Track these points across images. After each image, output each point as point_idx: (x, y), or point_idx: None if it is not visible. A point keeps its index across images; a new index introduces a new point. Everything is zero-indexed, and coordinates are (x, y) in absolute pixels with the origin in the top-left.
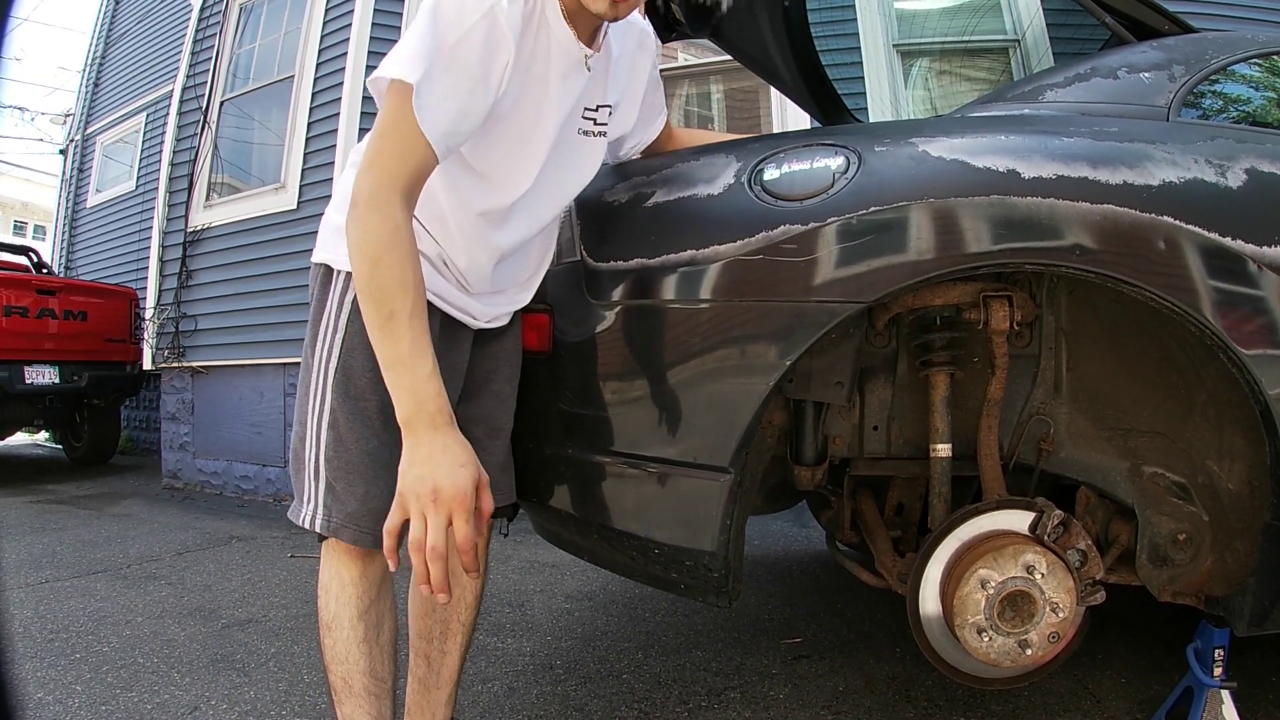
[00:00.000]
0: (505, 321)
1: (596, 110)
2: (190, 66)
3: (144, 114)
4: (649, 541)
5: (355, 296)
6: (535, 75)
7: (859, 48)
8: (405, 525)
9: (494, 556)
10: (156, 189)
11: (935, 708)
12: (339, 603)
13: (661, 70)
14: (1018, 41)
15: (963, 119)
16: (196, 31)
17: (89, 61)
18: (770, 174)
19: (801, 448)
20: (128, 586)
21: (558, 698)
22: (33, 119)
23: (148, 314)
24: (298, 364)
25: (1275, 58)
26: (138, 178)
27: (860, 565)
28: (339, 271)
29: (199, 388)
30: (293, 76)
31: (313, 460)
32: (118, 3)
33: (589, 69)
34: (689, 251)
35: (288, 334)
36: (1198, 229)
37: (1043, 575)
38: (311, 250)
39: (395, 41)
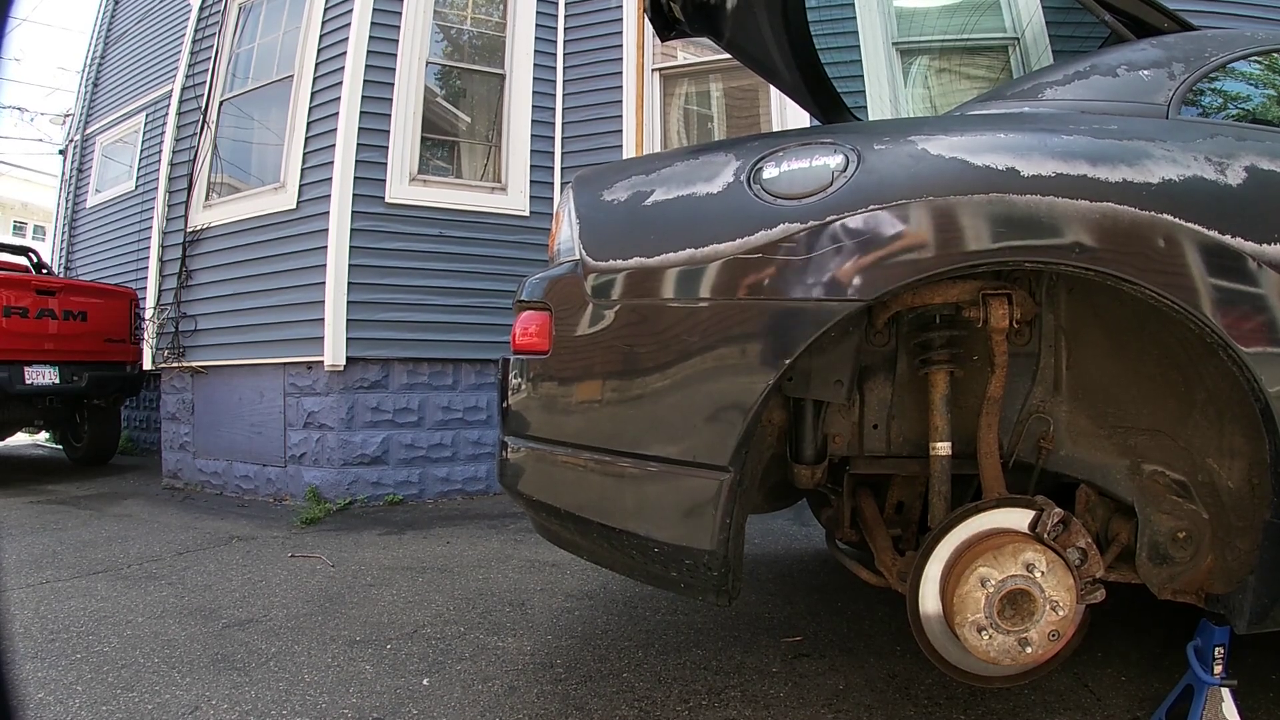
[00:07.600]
0: None
1: None
2: (189, 66)
3: (143, 114)
4: (648, 540)
5: None
6: None
7: (859, 46)
8: None
9: (494, 556)
10: (156, 189)
11: (935, 706)
12: None
13: (662, 69)
14: (1017, 39)
15: (962, 117)
16: (196, 31)
17: (88, 61)
18: (769, 172)
19: (801, 446)
20: (128, 587)
21: (558, 696)
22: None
23: (147, 314)
24: (298, 364)
25: (1275, 55)
26: (137, 178)
27: (860, 564)
28: None
29: (199, 388)
30: (292, 76)
31: None
32: (117, 3)
33: None
34: (688, 250)
35: (288, 334)
36: (1197, 227)
37: (1043, 573)
38: (310, 250)
39: (395, 40)
